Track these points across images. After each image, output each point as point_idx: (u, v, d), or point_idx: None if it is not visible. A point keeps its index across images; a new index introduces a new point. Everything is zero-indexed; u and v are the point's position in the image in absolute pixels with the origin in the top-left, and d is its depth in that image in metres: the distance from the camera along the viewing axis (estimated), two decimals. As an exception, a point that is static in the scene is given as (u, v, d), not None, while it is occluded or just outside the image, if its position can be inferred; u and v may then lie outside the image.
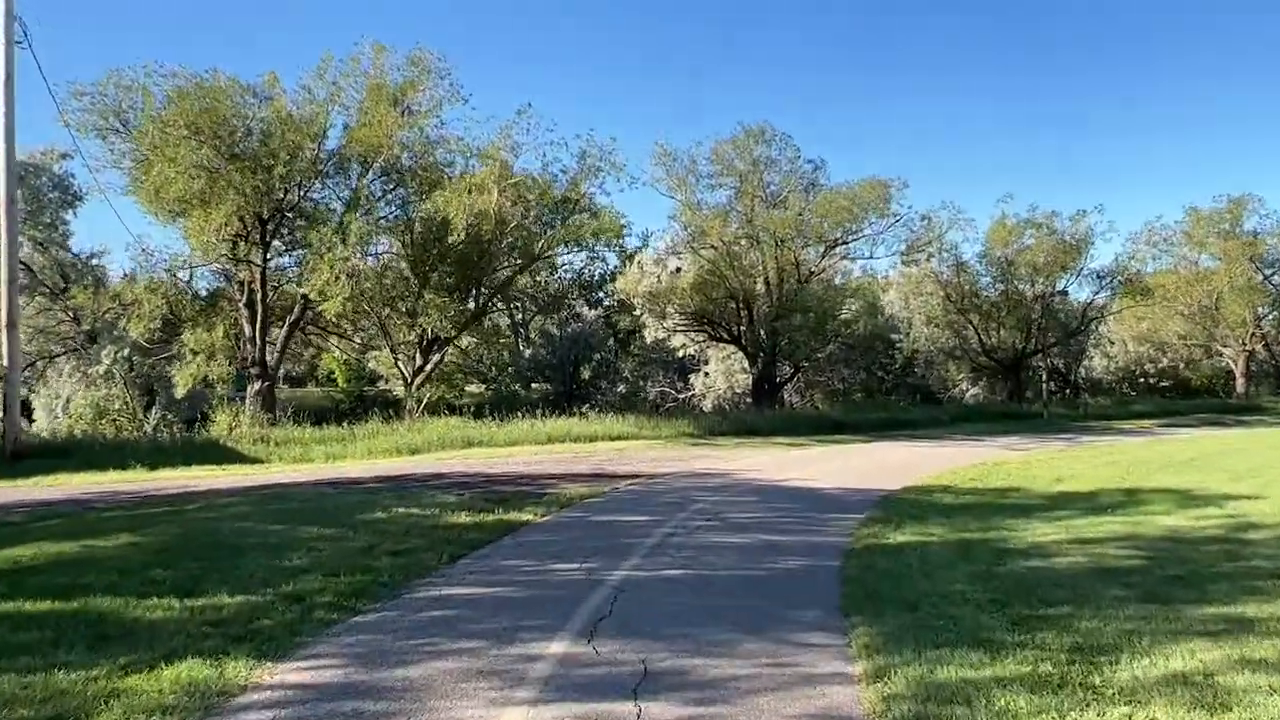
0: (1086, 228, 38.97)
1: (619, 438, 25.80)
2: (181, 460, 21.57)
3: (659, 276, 38.43)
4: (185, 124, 21.93)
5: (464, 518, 10.84)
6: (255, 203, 23.78)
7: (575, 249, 28.39)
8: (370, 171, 25.65)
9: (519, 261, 27.87)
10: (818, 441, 26.12)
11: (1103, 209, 47.76)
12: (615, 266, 42.08)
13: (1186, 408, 44.15)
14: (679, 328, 37.98)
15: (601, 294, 41.68)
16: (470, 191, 23.90)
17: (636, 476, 16.44)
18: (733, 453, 22.53)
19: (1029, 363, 44.19)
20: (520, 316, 45.79)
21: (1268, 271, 48.05)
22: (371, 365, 39.71)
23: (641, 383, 43.70)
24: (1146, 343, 55.00)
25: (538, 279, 41.20)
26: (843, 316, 35.65)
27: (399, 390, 28.79)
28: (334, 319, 26.24)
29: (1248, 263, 47.20)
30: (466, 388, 39.53)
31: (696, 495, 13.66)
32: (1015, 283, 41.10)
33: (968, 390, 49.56)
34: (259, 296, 26.01)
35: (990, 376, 47.09)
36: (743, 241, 35.88)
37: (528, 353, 37.83)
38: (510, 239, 26.68)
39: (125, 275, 28.53)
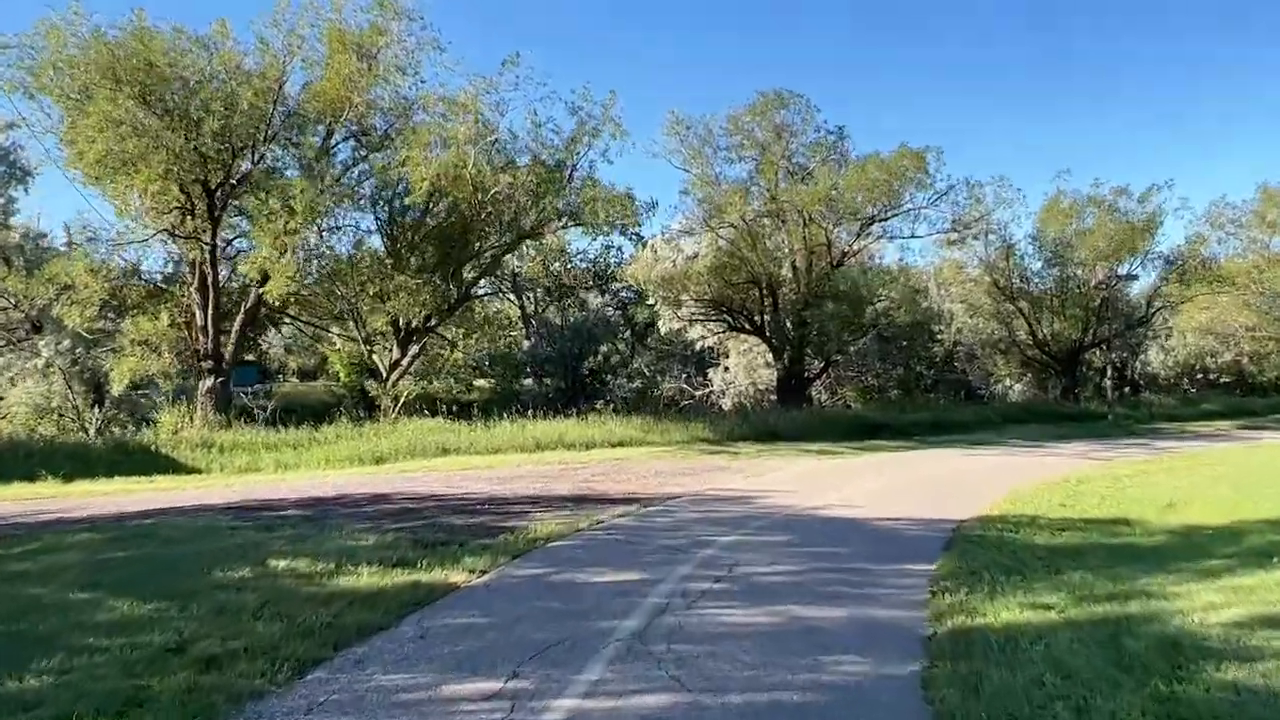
0: (1156, 207, 35.21)
1: (621, 443, 22.64)
2: (105, 470, 18.70)
3: (674, 261, 35.17)
4: (100, 70, 18.83)
5: (365, 578, 7.66)
6: (196, 168, 20.70)
7: (574, 225, 24.94)
8: (335, 133, 22.54)
9: (507, 239, 24.54)
10: (854, 449, 22.82)
11: (1173, 184, 42.98)
12: (631, 253, 39.14)
13: (1261, 407, 40.41)
14: (695, 317, 34.67)
15: (617, 282, 38.67)
16: (438, 146, 20.59)
17: (631, 501, 13.22)
18: (754, 464, 19.26)
19: (1085, 357, 40.52)
20: (533, 308, 42.70)
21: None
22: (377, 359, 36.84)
23: (659, 378, 40.66)
24: (1209, 335, 51.06)
25: (551, 268, 38.31)
26: (880, 305, 32.22)
27: (400, 386, 25.63)
28: (279, 302, 23.04)
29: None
30: (476, 383, 36.54)
31: (704, 535, 10.40)
32: (1072, 267, 37.42)
33: (1011, 387, 45.97)
34: (210, 279, 23.01)
35: (1039, 372, 43.46)
36: (766, 220, 32.57)
37: (526, 344, 34.65)
38: (495, 210, 23.40)
39: (61, 256, 25.54)
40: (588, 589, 7.63)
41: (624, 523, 11.11)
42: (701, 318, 34.63)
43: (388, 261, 23.88)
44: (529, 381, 35.58)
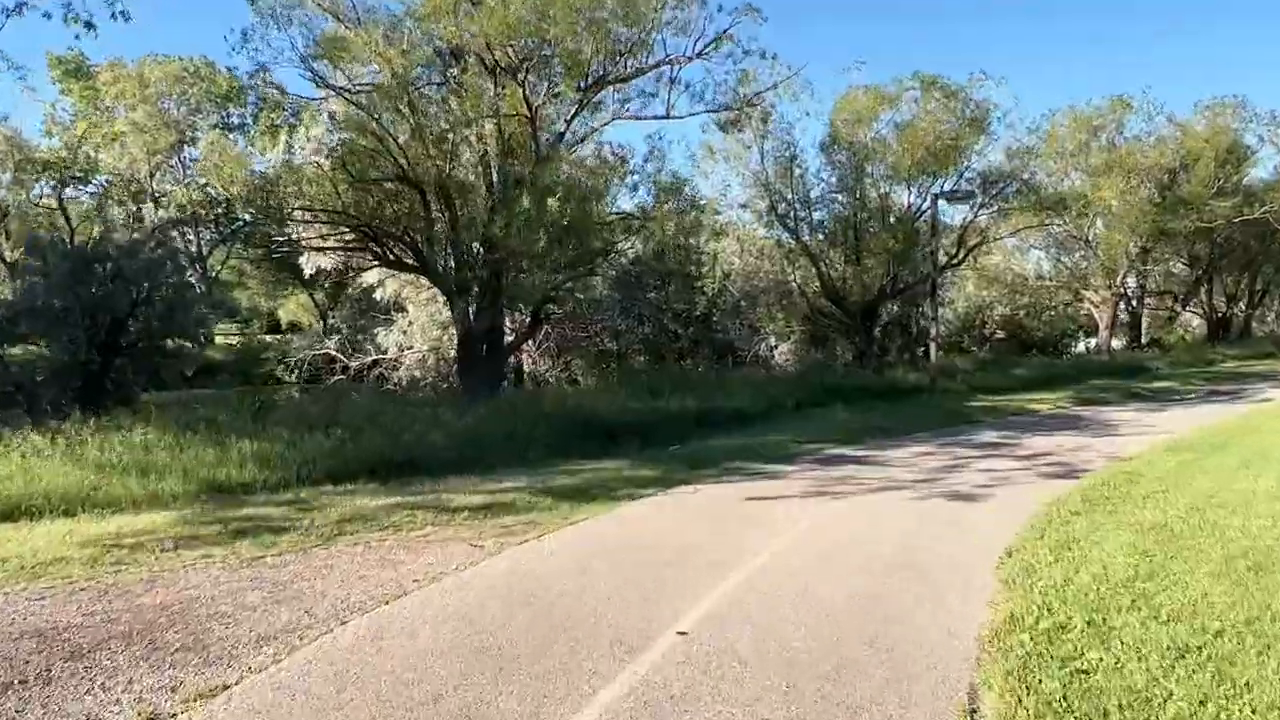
0: (984, 99, 27.65)
1: (60, 509, 10.56)
2: None
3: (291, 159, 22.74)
4: None
5: None
6: None
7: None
8: None
9: None
10: (567, 497, 12.22)
11: (1006, 80, 35.95)
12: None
13: (1070, 371, 35.26)
14: (316, 242, 22.47)
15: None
16: None
17: None
18: (284, 607, 8.06)
19: (880, 310, 33.17)
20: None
21: (1152, 189, 39.80)
22: None
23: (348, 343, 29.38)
24: (994, 284, 46.73)
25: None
26: (620, 224, 22.04)
27: None
28: None
29: (1129, 178, 39.07)
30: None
31: None
32: (871, 187, 29.48)
33: (776, 348, 38.18)
34: None
35: (818, 329, 35.85)
36: (431, 89, 21.13)
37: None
38: None
39: None
40: None
41: None
42: (329, 244, 22.55)
43: None
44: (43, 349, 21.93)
